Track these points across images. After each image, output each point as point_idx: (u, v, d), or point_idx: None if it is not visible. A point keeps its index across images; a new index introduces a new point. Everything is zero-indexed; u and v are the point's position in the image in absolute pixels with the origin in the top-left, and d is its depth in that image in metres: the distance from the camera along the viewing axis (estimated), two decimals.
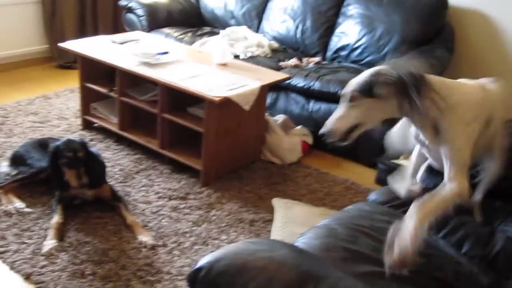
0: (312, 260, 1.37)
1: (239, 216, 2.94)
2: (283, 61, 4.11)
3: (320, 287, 1.19)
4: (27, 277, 2.36)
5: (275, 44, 4.44)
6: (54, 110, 4.11)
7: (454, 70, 4.14)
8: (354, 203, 2.33)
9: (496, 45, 4.01)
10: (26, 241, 2.58)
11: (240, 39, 4.33)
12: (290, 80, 3.75)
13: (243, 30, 4.48)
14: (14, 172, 2.98)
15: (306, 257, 1.37)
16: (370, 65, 3.87)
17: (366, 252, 1.78)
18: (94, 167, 2.85)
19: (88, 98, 3.78)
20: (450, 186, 1.84)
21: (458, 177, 1.84)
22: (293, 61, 4.06)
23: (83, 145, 2.79)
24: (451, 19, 4.07)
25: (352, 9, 4.21)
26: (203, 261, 1.34)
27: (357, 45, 4.14)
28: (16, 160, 3.02)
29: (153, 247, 2.60)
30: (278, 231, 2.79)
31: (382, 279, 1.65)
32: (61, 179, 2.78)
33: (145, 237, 2.65)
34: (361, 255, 1.77)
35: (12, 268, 2.40)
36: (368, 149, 3.61)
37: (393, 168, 2.75)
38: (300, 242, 1.79)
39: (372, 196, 2.34)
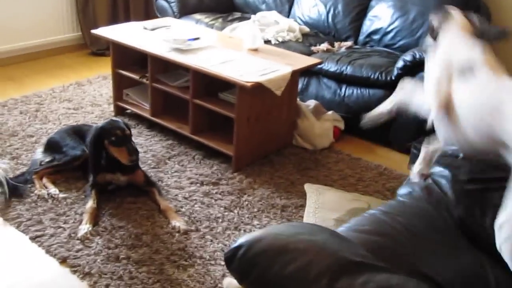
0: (351, 247, 1.36)
1: (271, 201, 2.94)
2: (315, 45, 4.06)
3: (359, 275, 1.18)
4: (63, 261, 2.41)
5: (306, 29, 4.40)
6: (88, 96, 4.17)
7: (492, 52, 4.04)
8: (388, 189, 2.29)
9: None
10: (62, 225, 2.63)
11: (270, 24, 4.30)
12: (322, 65, 3.72)
13: (274, 15, 4.45)
14: (49, 158, 3.03)
15: (345, 244, 1.36)
16: (403, 49, 3.83)
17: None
18: None
19: (120, 85, 3.81)
20: None
21: None
22: (325, 46, 4.01)
23: (126, 124, 2.83)
24: (487, 0, 3.97)
25: None
26: (242, 239, 1.33)
27: (389, 28, 4.07)
28: (51, 146, 3.07)
29: (185, 232, 2.63)
30: (310, 217, 2.78)
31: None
32: (99, 162, 2.82)
33: (178, 222, 2.67)
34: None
35: (48, 251, 2.46)
36: (401, 134, 3.57)
37: None
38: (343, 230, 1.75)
39: (402, 190, 2.24)
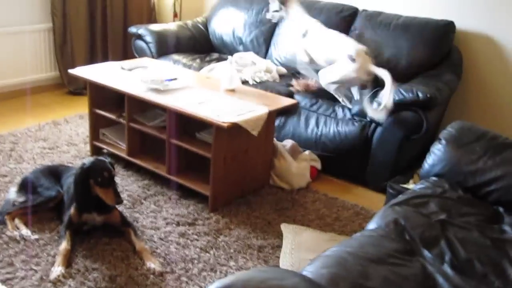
0: None
1: (248, 241, 2.92)
2: (292, 85, 4.10)
3: None
4: None
5: (283, 70, 4.46)
6: (64, 136, 4.14)
7: (463, 94, 4.14)
8: (363, 229, 2.31)
9: (504, 69, 4.01)
10: (34, 267, 2.57)
11: (248, 65, 4.36)
12: (300, 104, 3.77)
13: (251, 56, 4.51)
14: (23, 198, 2.98)
15: None
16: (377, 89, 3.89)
17: (374, 285, 1.75)
18: None
19: (97, 124, 3.80)
20: None
21: None
22: (303, 81, 4.04)
23: (112, 165, 2.80)
24: (458, 43, 4.08)
25: (367, 33, 4.23)
26: (212, 286, 1.32)
27: None
28: (25, 186, 3.02)
29: (161, 274, 2.59)
30: (287, 257, 2.77)
31: None
32: (86, 200, 2.77)
33: (153, 264, 2.63)
34: None
35: None
36: (377, 174, 3.60)
37: (402, 192, 2.75)
38: (308, 271, 1.77)
39: (372, 225, 2.27)
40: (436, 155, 2.70)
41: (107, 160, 2.80)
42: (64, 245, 2.66)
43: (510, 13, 3.90)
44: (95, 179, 2.71)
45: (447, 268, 1.95)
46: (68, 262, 2.61)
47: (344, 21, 4.36)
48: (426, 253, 2.04)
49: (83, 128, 4.29)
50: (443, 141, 2.72)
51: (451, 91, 3.80)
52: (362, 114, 3.56)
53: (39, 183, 2.99)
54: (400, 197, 2.45)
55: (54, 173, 3.09)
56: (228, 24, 4.99)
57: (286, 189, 3.53)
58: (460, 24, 4.04)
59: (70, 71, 3.77)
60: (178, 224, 3.04)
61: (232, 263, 2.73)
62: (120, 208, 3.03)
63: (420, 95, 3.35)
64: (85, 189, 2.75)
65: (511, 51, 3.96)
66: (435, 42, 3.95)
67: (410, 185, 3.21)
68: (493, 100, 4.10)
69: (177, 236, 2.93)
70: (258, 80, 4.11)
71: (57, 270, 2.52)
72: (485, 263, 1.99)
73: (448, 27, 3.97)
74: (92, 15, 5.22)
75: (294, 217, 3.21)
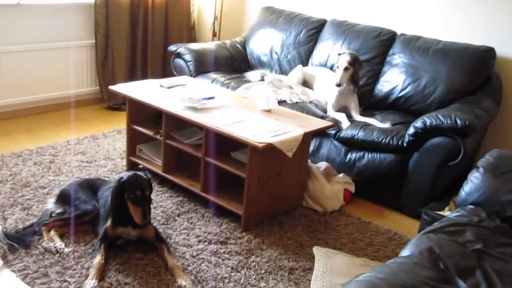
0: None
1: (279, 263, 2.91)
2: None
3: None
4: None
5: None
6: (101, 150, 4.22)
7: (501, 122, 4.07)
8: (396, 255, 2.28)
9: None
10: (68, 279, 2.61)
11: (283, 87, 4.37)
12: (334, 128, 3.76)
13: (288, 80, 4.52)
14: (60, 210, 3.05)
15: None
16: (415, 113, 3.87)
17: None
18: None
19: (134, 140, 3.87)
20: None
21: None
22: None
23: (149, 182, 2.83)
24: (498, 69, 4.03)
25: (397, 58, 4.22)
26: None
27: (401, 93, 4.13)
28: (63, 198, 3.09)
29: None
30: (318, 281, 2.75)
31: None
32: (121, 213, 2.81)
33: (184, 281, 2.65)
34: None
35: None
36: (412, 199, 3.56)
37: (437, 219, 2.71)
38: None
39: (405, 252, 2.24)
40: (473, 183, 2.66)
41: (146, 177, 2.83)
42: (98, 258, 2.70)
43: None
44: (128, 194, 2.76)
45: None
46: (101, 275, 2.64)
47: (382, 45, 4.35)
48: (461, 283, 2.00)
49: (120, 143, 4.37)
50: (481, 169, 2.68)
51: (490, 118, 3.74)
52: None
53: (76, 196, 3.05)
54: (435, 225, 2.41)
55: (92, 186, 3.15)
56: (266, 44, 5.04)
57: (319, 212, 3.52)
58: (500, 51, 3.99)
59: (110, 87, 3.86)
60: (210, 242, 3.06)
61: (262, 284, 2.72)
62: (153, 223, 3.06)
63: (459, 121, 3.31)
64: (121, 203, 2.79)
65: None
66: (474, 68, 3.90)
67: (446, 213, 3.16)
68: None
69: (209, 254, 2.94)
70: (294, 101, 4.12)
71: (91, 283, 2.56)
72: None
73: (488, 53, 3.93)
74: (133, 33, 5.34)
75: (326, 240, 3.19)
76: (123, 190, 2.77)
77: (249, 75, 4.79)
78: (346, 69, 3.93)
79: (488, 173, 2.64)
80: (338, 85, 3.90)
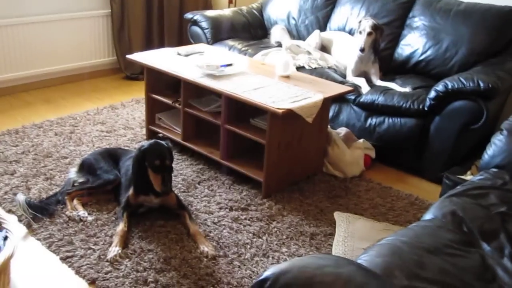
0: (378, 281, 1.34)
1: (300, 228, 2.92)
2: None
3: None
4: (92, 282, 2.43)
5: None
6: (121, 120, 4.24)
7: None
8: (418, 219, 2.27)
9: None
10: (92, 246, 2.65)
11: (301, 53, 4.32)
12: (354, 93, 3.72)
13: (306, 45, 4.46)
14: (82, 179, 3.08)
15: (371, 277, 1.34)
16: (435, 78, 3.81)
17: (431, 276, 1.72)
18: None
19: (153, 109, 3.87)
20: None
21: None
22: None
23: (170, 151, 2.83)
24: None
25: (418, 20, 4.14)
26: (268, 272, 1.33)
27: (422, 57, 4.06)
28: (85, 168, 3.12)
29: (214, 258, 2.63)
30: (340, 246, 2.75)
31: None
32: (143, 181, 2.83)
33: (206, 247, 2.67)
34: (425, 278, 1.71)
35: (78, 272, 2.48)
36: (433, 164, 3.53)
37: (458, 183, 2.68)
38: (363, 260, 1.75)
39: (428, 216, 2.23)
40: (497, 146, 2.62)
41: (167, 145, 2.84)
42: (121, 226, 2.73)
43: None
44: (148, 162, 2.77)
45: (507, 262, 1.90)
46: (125, 243, 2.68)
47: (401, 7, 4.26)
48: (485, 245, 1.99)
49: (139, 112, 4.38)
50: (505, 132, 2.64)
51: None
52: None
53: (98, 165, 3.08)
54: (458, 188, 2.39)
55: (113, 156, 3.17)
56: (283, 10, 4.97)
57: (339, 177, 3.51)
58: None
59: (128, 56, 3.85)
60: (231, 209, 3.07)
61: (284, 249, 2.74)
62: (175, 191, 3.08)
63: (481, 84, 3.25)
64: (142, 171, 2.81)
65: None
66: (497, 29, 3.81)
67: (468, 176, 3.13)
68: None
69: (230, 221, 2.96)
70: (313, 66, 4.08)
71: (114, 250, 2.59)
72: None
73: (511, 13, 3.82)
74: (149, 1, 5.30)
75: (347, 206, 3.19)
76: (144, 158, 2.78)
77: (271, 33, 4.86)
78: (369, 34, 3.86)
79: None
80: (362, 50, 3.85)
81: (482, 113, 3.29)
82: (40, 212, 2.85)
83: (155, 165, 2.75)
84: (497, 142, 2.63)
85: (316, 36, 4.46)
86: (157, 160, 2.75)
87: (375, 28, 3.88)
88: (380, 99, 3.64)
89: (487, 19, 3.83)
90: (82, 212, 2.89)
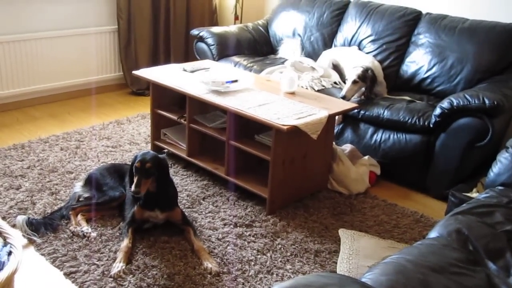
0: None
1: (305, 245, 2.91)
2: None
3: None
4: None
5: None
6: (126, 135, 4.25)
7: None
8: (424, 237, 2.25)
9: None
10: (96, 262, 2.65)
11: (305, 70, 4.33)
12: (359, 109, 3.73)
13: (310, 61, 4.47)
14: (88, 194, 3.08)
15: None
16: (441, 95, 3.82)
17: None
18: (168, 190, 2.92)
19: (158, 124, 3.89)
20: None
21: None
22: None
23: (157, 159, 2.83)
24: None
25: (423, 38, 4.15)
26: None
27: (427, 74, 4.06)
28: (91, 183, 3.12)
29: (218, 274, 2.61)
30: (344, 263, 2.74)
31: None
32: (149, 194, 2.85)
33: (210, 264, 2.66)
34: None
35: None
36: (439, 181, 3.52)
37: (464, 201, 2.67)
38: (367, 278, 1.74)
39: (433, 234, 2.22)
40: (502, 163, 2.61)
41: (161, 156, 2.88)
42: (125, 242, 2.73)
43: None
44: (132, 165, 2.81)
45: None
46: (129, 259, 2.67)
47: (407, 25, 4.28)
48: (490, 264, 1.97)
49: (145, 128, 4.39)
50: (511, 150, 2.63)
51: None
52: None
53: (104, 181, 3.08)
54: (464, 206, 2.38)
55: (118, 171, 3.18)
56: (289, 26, 5.00)
57: (344, 194, 3.50)
58: None
59: (134, 72, 3.87)
60: (235, 225, 3.07)
61: (288, 266, 2.73)
62: (180, 207, 3.08)
63: (487, 101, 3.25)
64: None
65: None
66: (503, 47, 3.82)
67: (474, 194, 3.12)
68: None
69: (235, 237, 2.95)
70: (316, 88, 4.05)
71: (118, 266, 2.59)
72: None
73: None
74: (155, 18, 5.34)
75: (352, 223, 3.18)
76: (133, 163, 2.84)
77: (283, 44, 4.92)
78: (354, 82, 3.80)
79: None
80: (343, 97, 3.74)
81: (487, 131, 3.28)
82: (44, 227, 2.85)
83: (135, 167, 2.77)
84: (502, 160, 2.63)
85: (325, 60, 4.45)
86: (138, 162, 2.77)
87: (363, 77, 3.81)
88: (385, 113, 3.65)
89: (492, 37, 3.84)
90: (86, 228, 2.88)
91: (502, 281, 1.87)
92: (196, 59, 4.81)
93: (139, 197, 2.83)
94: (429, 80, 4.06)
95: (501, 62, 3.85)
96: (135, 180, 2.76)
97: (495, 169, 2.65)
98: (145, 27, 5.28)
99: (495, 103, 3.23)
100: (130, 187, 2.83)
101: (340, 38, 4.64)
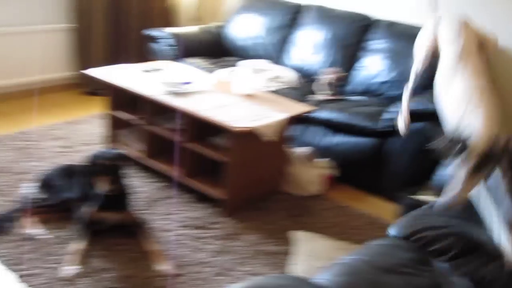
0: None
1: (260, 247, 2.93)
2: (311, 94, 4.12)
3: None
4: None
5: (299, 76, 4.47)
6: (81, 136, 4.18)
7: None
8: (376, 238, 2.31)
9: None
10: (50, 265, 2.60)
11: (261, 71, 4.36)
12: (315, 112, 3.77)
13: (264, 63, 4.51)
14: (41, 196, 3.02)
15: None
16: (392, 99, 3.90)
17: None
18: (124, 190, 2.90)
19: (113, 125, 3.84)
20: None
21: None
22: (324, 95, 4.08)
23: (119, 155, 2.83)
24: None
25: (374, 44, 4.24)
26: None
27: (381, 79, 4.15)
28: (44, 184, 3.06)
29: (173, 276, 2.61)
30: (299, 264, 2.77)
31: None
32: (102, 196, 2.82)
33: (165, 266, 2.65)
34: None
35: None
36: (392, 184, 3.60)
37: (417, 203, 2.74)
38: (322, 279, 1.78)
39: (393, 231, 2.30)
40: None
41: (115, 151, 2.87)
42: (79, 244, 2.70)
43: None
44: (93, 167, 2.78)
45: (457, 279, 1.95)
46: (83, 261, 2.64)
47: (362, 30, 4.37)
48: (439, 264, 2.04)
49: (99, 128, 4.33)
50: None
51: None
52: None
53: (58, 182, 3.03)
54: (415, 208, 2.45)
55: (72, 172, 3.12)
56: (247, 28, 5.02)
57: (299, 196, 3.54)
58: None
59: (88, 71, 3.81)
60: (191, 227, 3.06)
61: (244, 268, 2.74)
62: (134, 209, 3.05)
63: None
64: (93, 178, 2.81)
65: None
66: None
67: (422, 196, 3.20)
68: (510, 110, 4.08)
69: (190, 239, 2.94)
70: (271, 89, 4.07)
71: (73, 268, 2.55)
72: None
73: None
74: (111, 17, 5.26)
75: (307, 224, 3.22)
76: (94, 164, 2.80)
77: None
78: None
79: None
80: None
81: (440, 134, 3.37)
82: None
83: (101, 165, 2.75)
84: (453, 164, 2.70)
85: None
86: (104, 160, 2.75)
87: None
88: (340, 117, 3.71)
89: None
90: (39, 230, 2.83)
91: (445, 279, 1.94)
92: (152, 60, 4.77)
93: (100, 198, 2.80)
94: (383, 85, 4.14)
95: None
96: (106, 179, 2.74)
97: (442, 170, 2.73)
98: (100, 26, 5.19)
99: None
100: (90, 187, 2.81)
101: (298, 41, 4.68)
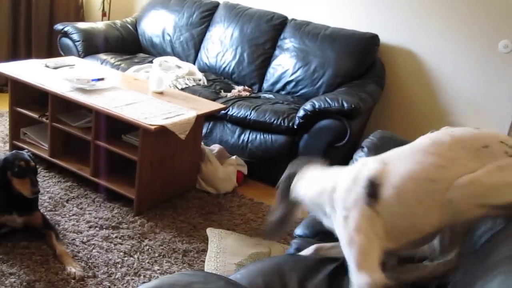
0: None
1: (173, 246, 2.90)
2: (222, 91, 4.14)
3: None
4: None
5: (210, 74, 4.48)
6: None
7: (384, 104, 4.31)
8: (289, 235, 2.35)
9: (423, 81, 4.21)
10: None
11: (171, 69, 4.33)
12: (227, 110, 3.79)
13: (175, 60, 4.49)
14: None
15: None
16: (304, 97, 4.00)
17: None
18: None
19: (18, 123, 3.67)
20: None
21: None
22: (235, 92, 4.11)
23: (31, 156, 2.74)
24: (382, 55, 4.25)
25: (288, 42, 4.32)
26: None
27: (292, 77, 4.23)
28: None
29: (82, 279, 2.53)
30: (212, 261, 2.78)
31: None
32: (6, 198, 2.70)
33: (74, 268, 2.57)
34: None
35: None
36: None
37: None
38: (239, 277, 1.78)
39: (298, 231, 2.34)
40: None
41: (26, 153, 2.76)
42: None
43: (427, 30, 4.10)
44: (12, 170, 2.65)
45: None
46: None
47: (274, 29, 4.43)
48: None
49: (2, 126, 4.12)
50: (365, 149, 2.81)
51: (374, 101, 3.94)
52: None
53: None
54: None
55: None
56: (158, 25, 4.96)
57: (212, 194, 3.54)
58: (384, 38, 4.20)
59: None
60: (101, 227, 2.98)
61: (156, 267, 2.71)
62: (40, 210, 2.93)
63: (345, 104, 3.46)
64: (4, 184, 2.67)
65: (429, 65, 4.16)
66: (360, 54, 4.09)
67: None
68: (412, 111, 4.29)
69: (100, 239, 2.87)
70: (179, 87, 4.06)
71: None
72: None
73: (372, 39, 4.13)
74: (15, 9, 5.03)
75: (220, 222, 3.23)
76: (5, 168, 2.65)
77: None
78: None
79: (372, 152, 2.77)
80: None
81: (346, 132, 3.50)
82: None
83: (20, 169, 2.63)
84: (358, 158, 2.80)
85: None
86: (21, 162, 2.64)
87: None
88: (252, 115, 3.74)
89: (350, 44, 4.09)
90: None
91: (342, 277, 2.00)
92: (60, 55, 4.60)
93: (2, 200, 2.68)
94: (293, 83, 4.23)
95: (359, 68, 4.11)
96: (26, 182, 2.64)
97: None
98: (3, 19, 4.94)
99: (353, 106, 3.46)
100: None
101: (209, 39, 4.68)
